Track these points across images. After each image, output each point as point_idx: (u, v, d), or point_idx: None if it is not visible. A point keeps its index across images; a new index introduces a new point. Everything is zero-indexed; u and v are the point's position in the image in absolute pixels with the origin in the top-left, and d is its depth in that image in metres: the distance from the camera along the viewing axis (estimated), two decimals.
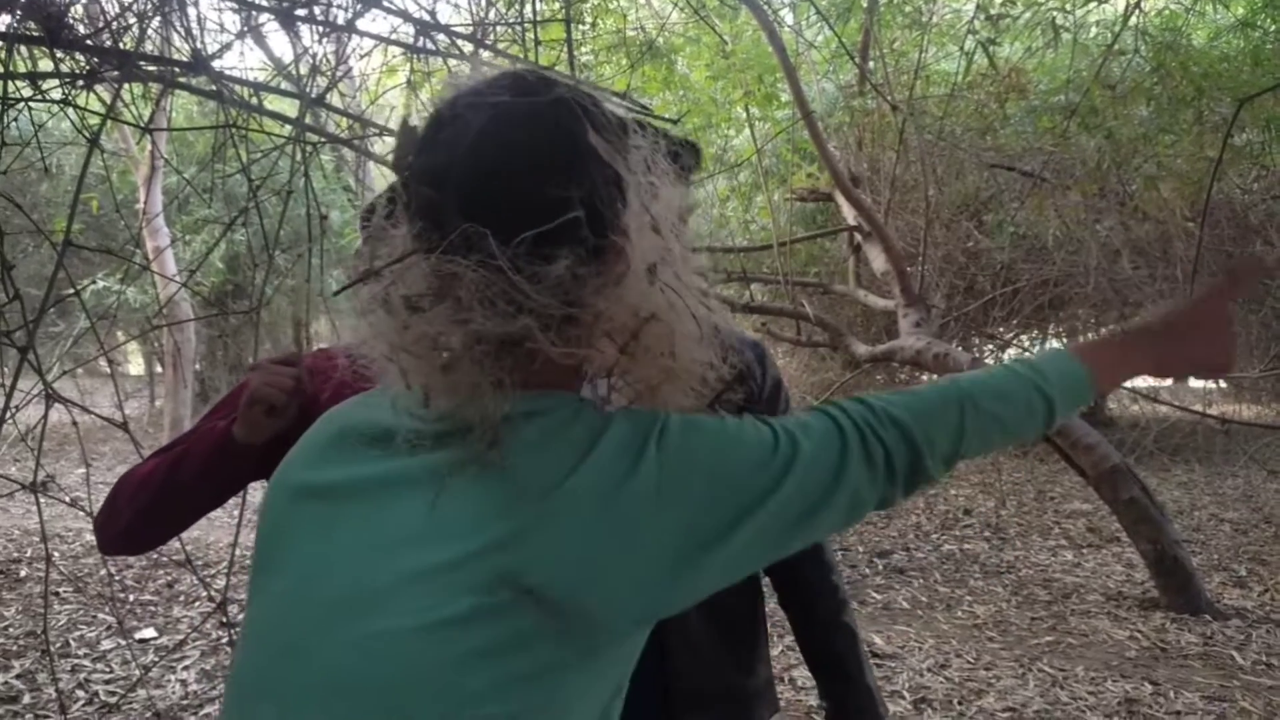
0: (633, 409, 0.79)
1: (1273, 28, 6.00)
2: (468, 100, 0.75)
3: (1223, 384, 11.74)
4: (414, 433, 0.78)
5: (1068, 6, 5.69)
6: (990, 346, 10.20)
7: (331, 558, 0.76)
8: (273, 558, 0.81)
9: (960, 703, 3.45)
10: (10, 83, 2.05)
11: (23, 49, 2.16)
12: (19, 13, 1.97)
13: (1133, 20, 5.17)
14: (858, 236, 6.82)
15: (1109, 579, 5.16)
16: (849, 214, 6.59)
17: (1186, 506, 7.11)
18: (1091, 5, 5.89)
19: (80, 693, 3.49)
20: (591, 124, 0.73)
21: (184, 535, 1.51)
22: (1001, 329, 9.95)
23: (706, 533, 0.74)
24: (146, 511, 1.28)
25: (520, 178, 0.72)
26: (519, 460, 0.74)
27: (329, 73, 2.76)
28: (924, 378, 10.06)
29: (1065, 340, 12.50)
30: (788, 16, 7.40)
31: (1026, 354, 0.93)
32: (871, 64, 6.70)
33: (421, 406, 0.79)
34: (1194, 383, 12.98)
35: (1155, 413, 9.51)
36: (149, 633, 4.16)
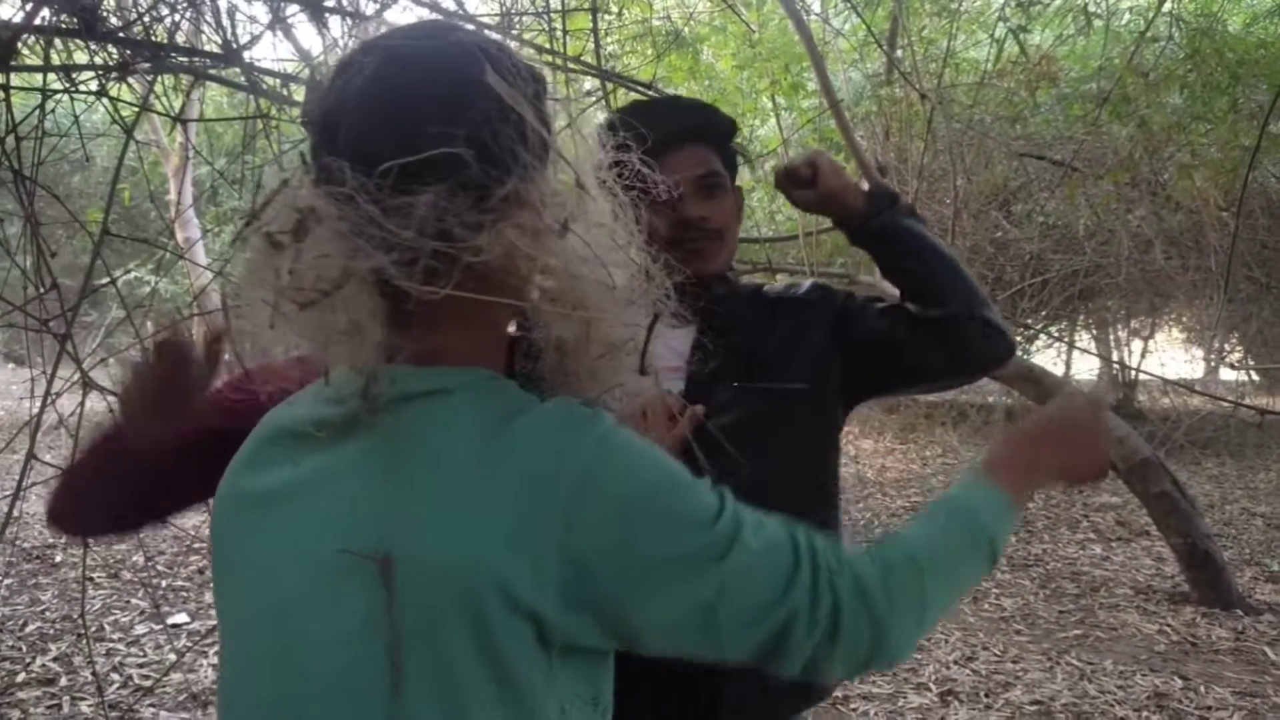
0: (566, 400, 0.75)
1: None
2: (367, 47, 0.74)
3: (1255, 375, 11.56)
4: (322, 421, 0.76)
5: None
6: (1018, 338, 10.11)
7: (262, 566, 0.76)
8: (220, 567, 0.82)
9: (987, 695, 3.44)
10: (47, 75, 2.09)
11: (58, 42, 2.19)
12: (55, 6, 2.00)
13: (1167, 6, 5.09)
14: None
15: (1138, 572, 5.11)
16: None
17: (1218, 500, 7.02)
18: None
19: (115, 675, 3.55)
20: (493, 67, 0.71)
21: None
22: (1030, 320, 9.85)
23: (612, 577, 0.69)
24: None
25: (401, 114, 0.70)
26: (410, 442, 0.72)
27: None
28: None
29: (1094, 342, 12.36)
30: (815, 4, 7.35)
31: (946, 495, 0.87)
32: (899, 52, 6.63)
33: (331, 387, 0.77)
34: (1226, 374, 12.80)
35: (1186, 405, 9.38)
36: (182, 617, 4.22)
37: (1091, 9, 5.63)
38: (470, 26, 0.77)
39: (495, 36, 0.77)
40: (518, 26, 2.80)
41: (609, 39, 6.21)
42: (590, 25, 2.85)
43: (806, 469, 1.33)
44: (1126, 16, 6.45)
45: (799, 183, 1.34)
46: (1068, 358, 12.66)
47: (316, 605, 0.72)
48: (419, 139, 0.67)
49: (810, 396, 1.31)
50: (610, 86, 2.74)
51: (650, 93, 2.93)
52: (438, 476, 0.71)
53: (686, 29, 6.78)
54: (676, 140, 1.25)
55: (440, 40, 0.73)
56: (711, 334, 1.29)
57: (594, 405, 0.76)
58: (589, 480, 0.69)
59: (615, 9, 6.12)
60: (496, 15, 2.64)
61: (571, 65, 2.64)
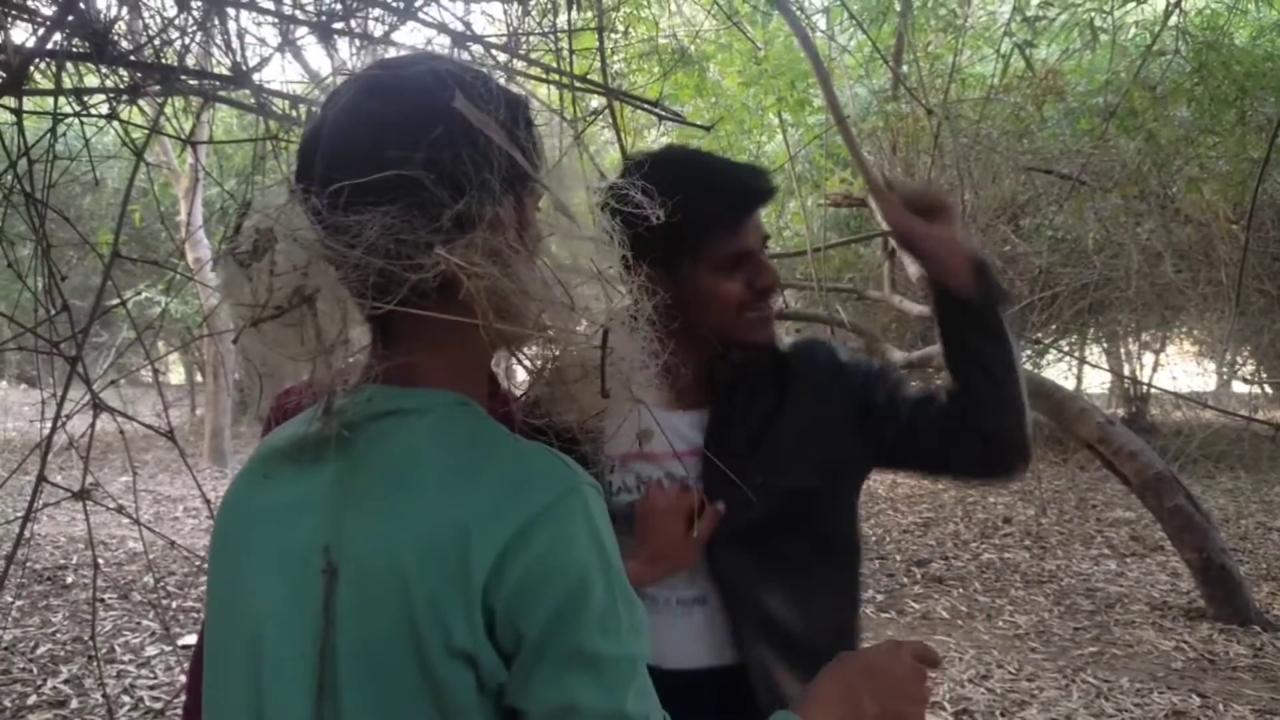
0: (548, 452, 0.74)
1: None
2: (352, 77, 0.78)
3: (1268, 389, 11.49)
4: (302, 440, 0.78)
5: (1105, 7, 5.61)
6: (1029, 352, 10.07)
7: (238, 584, 0.78)
8: (209, 584, 0.84)
9: (1003, 714, 3.40)
10: (58, 98, 2.10)
11: (69, 65, 2.21)
12: (67, 30, 2.02)
13: (1173, 20, 5.09)
14: (892, 242, 6.76)
15: (1154, 588, 5.06)
16: (883, 219, 6.53)
17: (1233, 514, 6.95)
18: (1130, 6, 5.80)
19: (126, 698, 3.54)
20: (465, 93, 0.73)
21: None
22: (1040, 334, 9.82)
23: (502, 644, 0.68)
24: None
25: (362, 139, 0.72)
26: (368, 462, 0.73)
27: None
28: None
29: (1105, 355, 12.30)
30: (820, 22, 7.37)
31: None
32: (905, 68, 6.65)
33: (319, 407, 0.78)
34: (1239, 388, 12.73)
35: (1199, 419, 9.32)
36: (193, 639, 4.22)
37: (1097, 24, 5.64)
38: (452, 56, 0.79)
39: (477, 66, 0.80)
40: (525, 46, 2.82)
41: (615, 57, 6.25)
42: (596, 44, 2.86)
43: (835, 568, 1.29)
44: (1133, 31, 6.45)
45: (917, 208, 1.21)
46: (1079, 371, 12.62)
47: (280, 623, 0.73)
48: (377, 162, 0.70)
49: (828, 493, 1.25)
50: (617, 105, 2.75)
51: (657, 111, 2.94)
52: (388, 501, 0.71)
53: (693, 47, 6.80)
54: (756, 203, 1.21)
55: (415, 69, 0.76)
56: (726, 419, 1.23)
57: (576, 467, 0.74)
58: (531, 537, 0.68)
59: (621, 28, 6.16)
60: (503, 36, 2.65)
61: (578, 84, 2.65)
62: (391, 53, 2.89)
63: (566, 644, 0.67)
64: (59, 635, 4.21)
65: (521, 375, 0.90)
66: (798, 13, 5.53)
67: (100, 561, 5.50)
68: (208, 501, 2.42)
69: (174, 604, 4.74)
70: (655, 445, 1.17)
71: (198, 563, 5.05)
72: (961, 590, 5.12)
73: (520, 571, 0.67)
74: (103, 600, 4.72)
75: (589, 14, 4.45)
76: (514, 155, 0.74)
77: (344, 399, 0.75)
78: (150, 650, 4.04)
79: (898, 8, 6.28)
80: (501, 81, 0.79)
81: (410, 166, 0.70)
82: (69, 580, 5.15)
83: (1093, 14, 5.62)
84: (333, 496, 0.74)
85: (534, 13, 2.82)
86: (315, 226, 0.70)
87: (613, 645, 0.68)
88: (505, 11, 2.59)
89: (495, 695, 0.70)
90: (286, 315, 0.71)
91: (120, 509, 2.30)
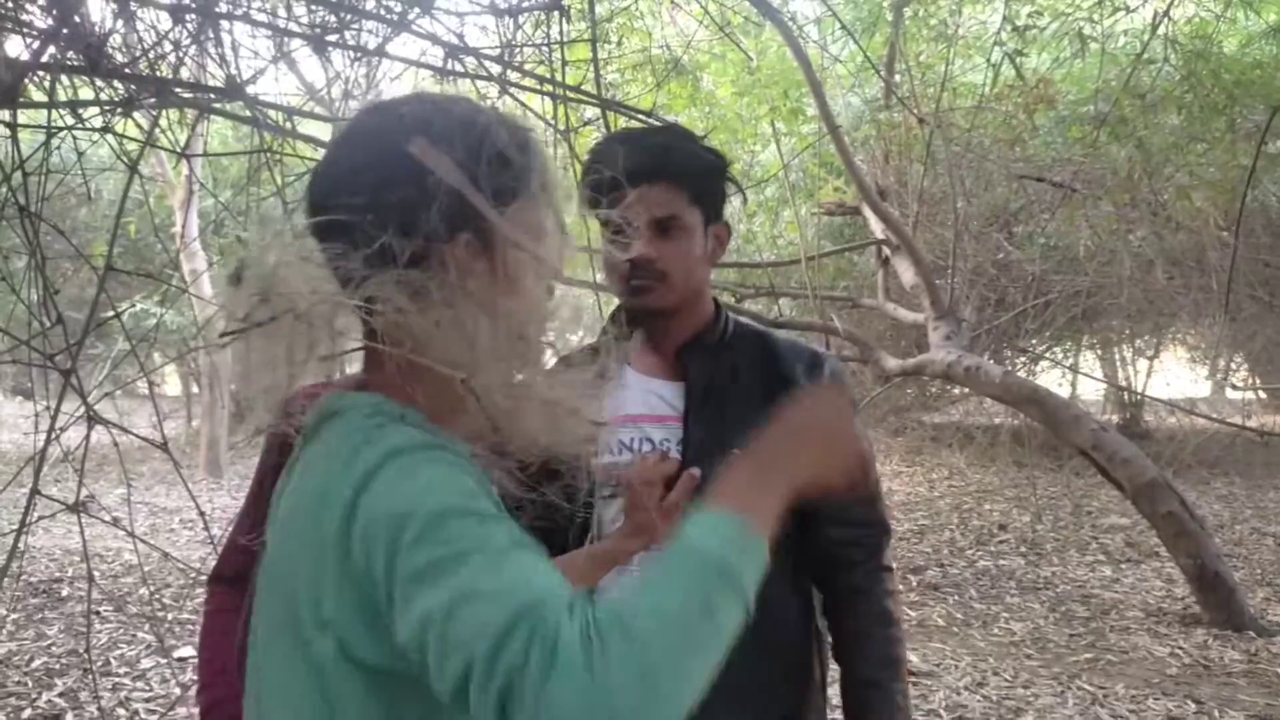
0: (375, 418, 0.79)
1: None
2: (347, 121, 0.89)
3: (1262, 394, 11.53)
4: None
5: (1095, 16, 5.65)
6: (1022, 359, 10.09)
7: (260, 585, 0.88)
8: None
9: None
10: (53, 111, 2.11)
11: (64, 78, 2.22)
12: (62, 43, 2.03)
13: (1161, 29, 5.13)
14: (886, 250, 6.79)
15: (1149, 594, 5.07)
16: (877, 227, 6.56)
17: (1227, 520, 6.97)
18: (1119, 15, 5.85)
19: (121, 711, 3.53)
20: (429, 136, 0.79)
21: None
22: (1034, 341, 9.85)
23: (366, 578, 0.71)
24: None
25: (328, 180, 0.83)
26: (302, 458, 0.84)
27: (360, 96, 2.80)
28: (953, 391, 9.98)
29: (1099, 362, 12.34)
30: (812, 32, 7.41)
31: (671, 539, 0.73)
32: (897, 77, 6.69)
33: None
34: (1231, 394, 12.77)
35: (1193, 425, 9.35)
36: (188, 651, 4.20)
37: (1087, 32, 5.68)
38: (435, 97, 0.87)
39: (459, 108, 0.84)
40: (519, 57, 2.83)
41: (609, 68, 6.27)
42: (590, 55, 2.88)
43: (802, 545, 1.33)
44: (1122, 39, 6.50)
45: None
46: (1073, 378, 12.65)
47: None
48: (333, 205, 0.79)
49: None
50: (611, 115, 2.77)
51: (650, 121, 2.96)
52: (297, 496, 0.81)
53: (686, 57, 6.84)
54: (631, 179, 1.23)
55: (382, 115, 0.84)
56: (705, 391, 1.30)
57: (392, 419, 0.79)
58: (361, 499, 0.72)
59: (615, 39, 6.19)
60: (497, 47, 2.67)
61: (572, 94, 2.67)
62: (384, 65, 2.90)
63: (400, 574, 0.68)
64: (54, 648, 4.20)
65: None
66: (790, 23, 5.56)
67: (95, 574, 5.48)
68: (203, 514, 2.42)
69: (170, 616, 4.72)
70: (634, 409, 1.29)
71: (193, 575, 5.04)
72: (957, 597, 5.13)
73: (359, 533, 0.71)
74: (98, 613, 4.70)
75: (582, 25, 4.48)
76: (465, 194, 0.79)
77: (316, 405, 0.85)
78: (146, 663, 4.03)
79: (889, 18, 6.32)
80: (483, 114, 0.84)
81: (354, 211, 0.78)
82: (64, 593, 5.13)
83: (1082, 23, 5.66)
84: (283, 487, 0.86)
85: (526, 25, 2.84)
86: (273, 257, 0.79)
87: (437, 549, 0.67)
88: (498, 24, 2.60)
89: (366, 667, 0.74)
90: (266, 328, 0.80)
91: (115, 521, 2.30)
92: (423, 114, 0.82)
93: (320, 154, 0.91)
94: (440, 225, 0.78)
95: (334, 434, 0.80)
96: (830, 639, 1.38)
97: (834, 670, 1.39)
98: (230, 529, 1.44)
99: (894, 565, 1.39)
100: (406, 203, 0.78)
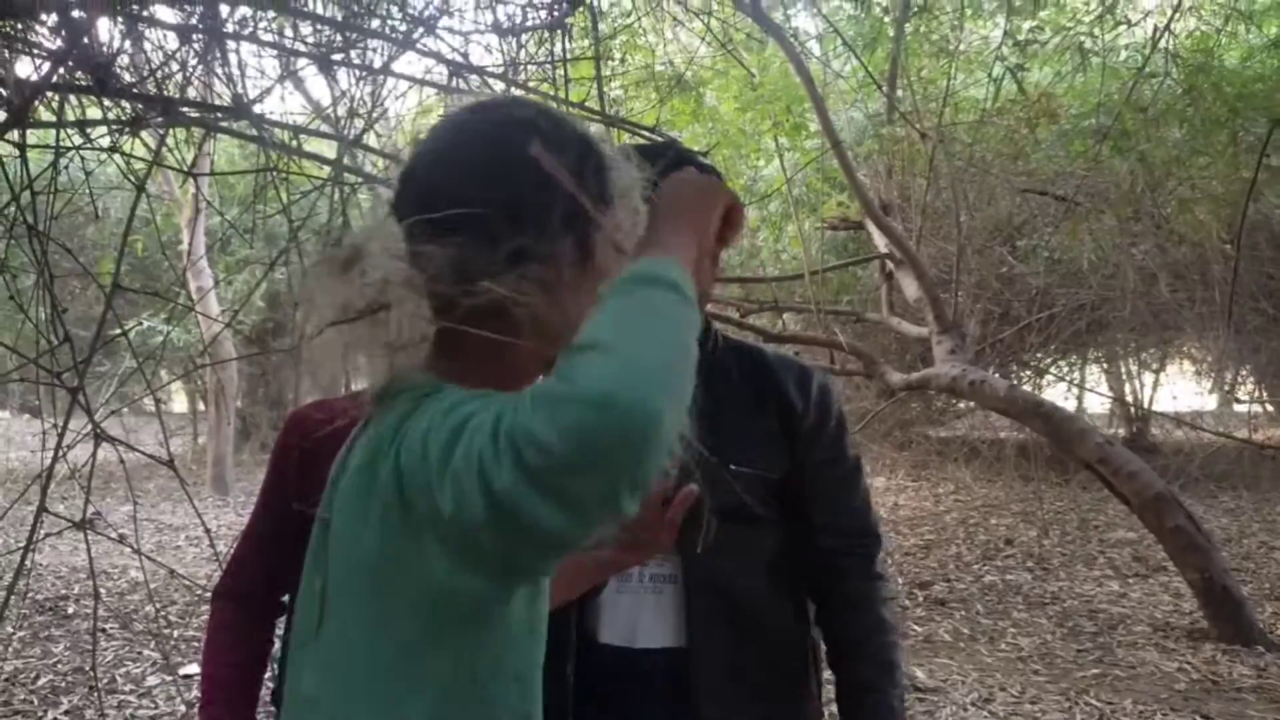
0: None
1: None
2: (445, 118, 0.92)
3: (1270, 408, 11.48)
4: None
5: (1096, 31, 5.68)
6: (1027, 373, 10.07)
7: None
8: (306, 569, 0.93)
9: None
10: (61, 131, 2.13)
11: (73, 98, 2.24)
12: (70, 64, 2.05)
13: (1162, 43, 5.15)
14: (890, 264, 6.80)
15: (1156, 609, 5.04)
16: (880, 242, 6.58)
17: (1235, 534, 6.93)
18: (1120, 29, 5.87)
19: None
20: (543, 141, 0.81)
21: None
22: (1039, 355, 9.83)
23: (404, 497, 0.75)
24: None
25: (443, 176, 0.85)
26: (370, 432, 0.85)
27: (366, 115, 2.83)
28: (958, 405, 9.95)
29: (1105, 376, 12.32)
30: (814, 48, 7.45)
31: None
32: (900, 92, 6.71)
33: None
34: (1238, 407, 12.72)
35: (1200, 438, 9.32)
36: (193, 668, 4.20)
37: (1088, 46, 5.70)
38: (533, 101, 0.92)
39: (555, 111, 0.90)
40: (523, 75, 2.86)
41: (613, 84, 6.31)
42: (594, 72, 2.90)
43: (794, 557, 1.36)
44: (1124, 53, 6.52)
45: None
46: (1080, 392, 12.61)
47: (310, 569, 0.89)
48: (457, 199, 0.81)
49: (777, 486, 1.34)
50: (615, 131, 2.79)
51: (655, 137, 2.98)
52: (354, 472, 0.83)
53: (689, 73, 6.87)
54: None
55: (498, 115, 0.88)
56: (696, 406, 1.30)
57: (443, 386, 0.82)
58: (403, 439, 0.76)
59: (618, 56, 6.22)
60: (500, 65, 2.69)
61: (576, 111, 2.69)
62: (390, 84, 2.92)
63: (434, 460, 0.70)
64: (60, 666, 4.20)
65: None
66: (792, 39, 5.60)
67: (102, 591, 5.48)
68: (208, 531, 2.43)
69: (175, 633, 4.72)
70: None
71: (199, 592, 5.04)
72: (964, 613, 5.11)
73: (405, 467, 0.75)
74: (104, 630, 4.70)
75: (586, 43, 4.51)
76: (581, 199, 0.82)
77: (387, 384, 0.86)
78: (151, 680, 4.03)
79: (891, 33, 6.36)
80: (579, 121, 0.90)
81: (482, 205, 0.81)
82: (70, 610, 5.13)
83: (1084, 37, 5.69)
84: (337, 474, 0.89)
85: (530, 42, 2.86)
86: (402, 250, 0.82)
87: (450, 420, 0.71)
88: (501, 43, 2.62)
89: (450, 604, 0.78)
90: (369, 318, 0.83)
91: (121, 539, 2.31)
92: (533, 118, 0.86)
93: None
94: (560, 226, 0.83)
95: (391, 413, 0.82)
96: (825, 648, 1.39)
97: (828, 678, 1.40)
98: (236, 544, 1.44)
99: (886, 574, 1.41)
100: (534, 202, 0.82)
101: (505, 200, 0.82)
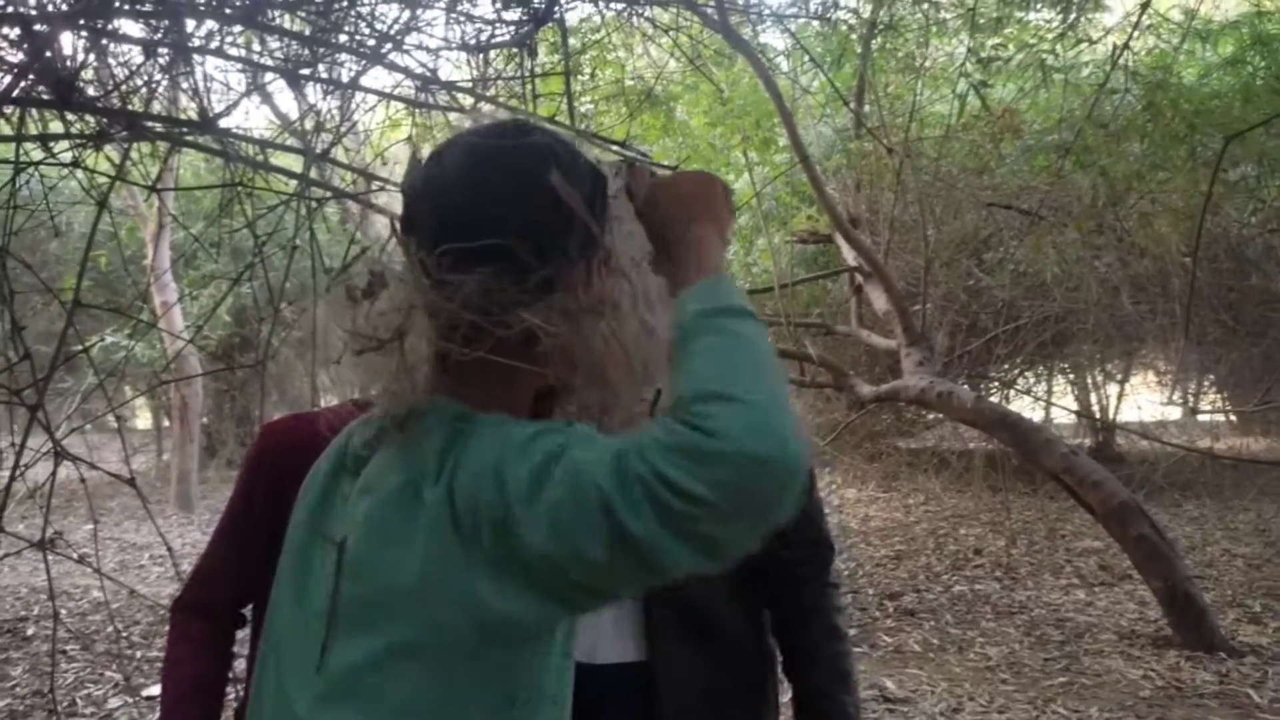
0: (482, 418, 0.82)
1: (1261, 65, 6.09)
2: (456, 139, 0.88)
3: (1233, 418, 11.69)
4: (363, 446, 0.89)
5: (1057, 48, 5.78)
6: (994, 384, 10.19)
7: (310, 578, 0.88)
8: (283, 581, 0.93)
9: None
10: (22, 145, 2.10)
11: (34, 111, 2.21)
12: (31, 77, 2.03)
13: (1122, 60, 5.25)
14: (859, 277, 6.87)
15: (1122, 617, 5.10)
16: (849, 255, 6.64)
17: (1199, 542, 7.04)
18: (1081, 46, 5.98)
19: None
20: (560, 168, 0.83)
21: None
22: (1006, 366, 9.95)
23: (480, 529, 0.75)
24: None
25: (467, 203, 0.83)
26: (396, 455, 0.84)
27: (333, 129, 2.82)
28: (928, 417, 10.04)
29: (1070, 387, 12.49)
30: (783, 63, 7.52)
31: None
32: (867, 108, 6.80)
33: (374, 424, 0.89)
34: (1202, 416, 12.94)
35: (1163, 448, 9.47)
36: (156, 689, 4.13)
37: (1050, 64, 5.80)
38: (546, 127, 0.90)
39: (566, 138, 0.89)
40: (492, 89, 2.86)
41: (583, 100, 6.33)
42: (564, 88, 2.91)
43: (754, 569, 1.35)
44: (1085, 70, 6.65)
45: None
46: (1047, 403, 12.77)
47: (309, 590, 0.85)
48: (479, 227, 0.80)
49: None
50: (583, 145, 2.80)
51: (626, 152, 2.99)
52: (380, 494, 0.82)
53: (659, 88, 6.92)
54: None
55: (515, 140, 0.86)
56: None
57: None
58: (458, 467, 0.77)
59: (588, 71, 6.25)
60: (469, 81, 2.69)
61: (546, 127, 2.70)
62: (358, 98, 2.91)
63: (514, 496, 0.73)
64: (19, 689, 4.11)
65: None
66: (760, 55, 5.65)
67: (62, 612, 5.37)
68: (171, 549, 2.39)
69: (138, 654, 4.64)
70: None
71: (162, 611, 4.96)
72: (933, 623, 5.14)
73: (462, 495, 0.77)
74: (64, 652, 4.61)
75: (555, 57, 4.53)
76: (593, 227, 0.84)
77: (409, 413, 0.84)
78: (113, 702, 3.95)
79: (858, 50, 6.43)
80: (586, 151, 0.89)
81: (506, 234, 0.80)
82: (30, 632, 5.03)
83: (1046, 55, 5.79)
84: (367, 482, 0.87)
85: (499, 58, 2.87)
86: (420, 276, 0.80)
87: (535, 458, 0.74)
88: (469, 60, 2.63)
89: (486, 629, 0.78)
90: (384, 347, 0.82)
91: (82, 559, 2.27)
92: (550, 145, 0.86)
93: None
94: (574, 254, 0.83)
95: (424, 438, 0.82)
96: (781, 656, 1.40)
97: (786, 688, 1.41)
98: (201, 555, 1.41)
99: (840, 583, 1.43)
100: (555, 231, 0.82)
101: (530, 229, 0.81)
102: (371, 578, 0.80)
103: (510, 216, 0.81)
